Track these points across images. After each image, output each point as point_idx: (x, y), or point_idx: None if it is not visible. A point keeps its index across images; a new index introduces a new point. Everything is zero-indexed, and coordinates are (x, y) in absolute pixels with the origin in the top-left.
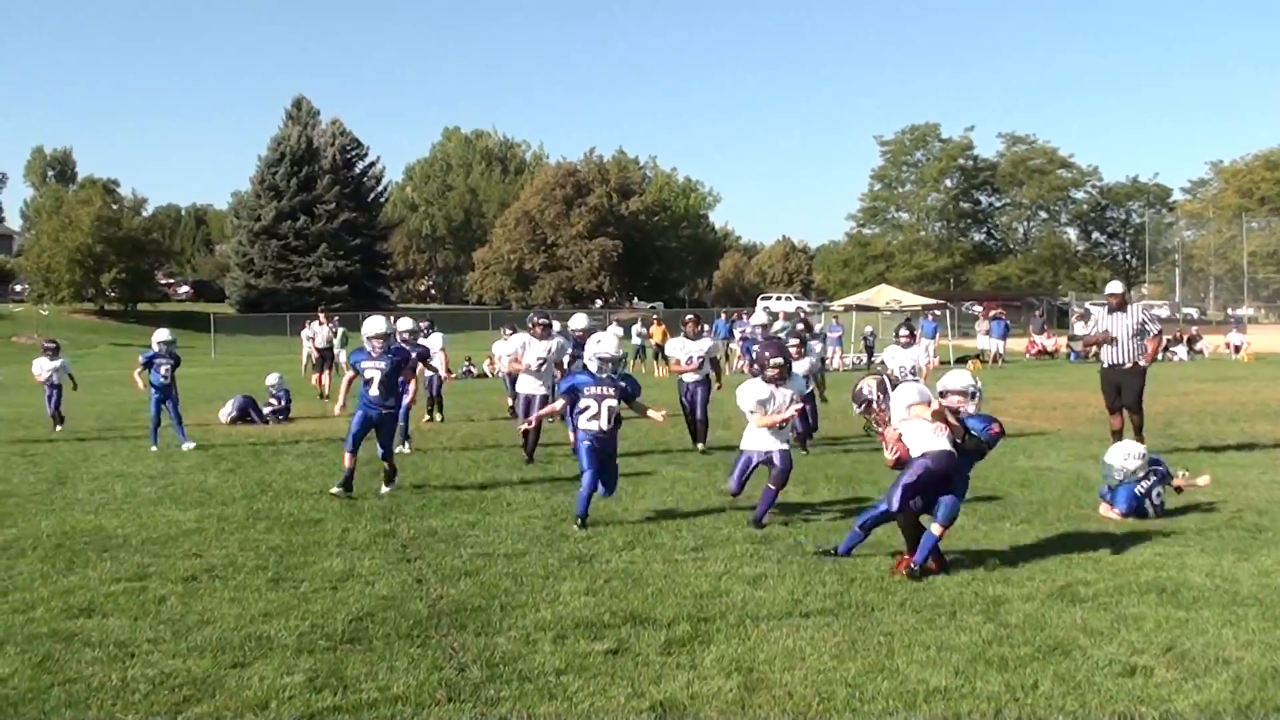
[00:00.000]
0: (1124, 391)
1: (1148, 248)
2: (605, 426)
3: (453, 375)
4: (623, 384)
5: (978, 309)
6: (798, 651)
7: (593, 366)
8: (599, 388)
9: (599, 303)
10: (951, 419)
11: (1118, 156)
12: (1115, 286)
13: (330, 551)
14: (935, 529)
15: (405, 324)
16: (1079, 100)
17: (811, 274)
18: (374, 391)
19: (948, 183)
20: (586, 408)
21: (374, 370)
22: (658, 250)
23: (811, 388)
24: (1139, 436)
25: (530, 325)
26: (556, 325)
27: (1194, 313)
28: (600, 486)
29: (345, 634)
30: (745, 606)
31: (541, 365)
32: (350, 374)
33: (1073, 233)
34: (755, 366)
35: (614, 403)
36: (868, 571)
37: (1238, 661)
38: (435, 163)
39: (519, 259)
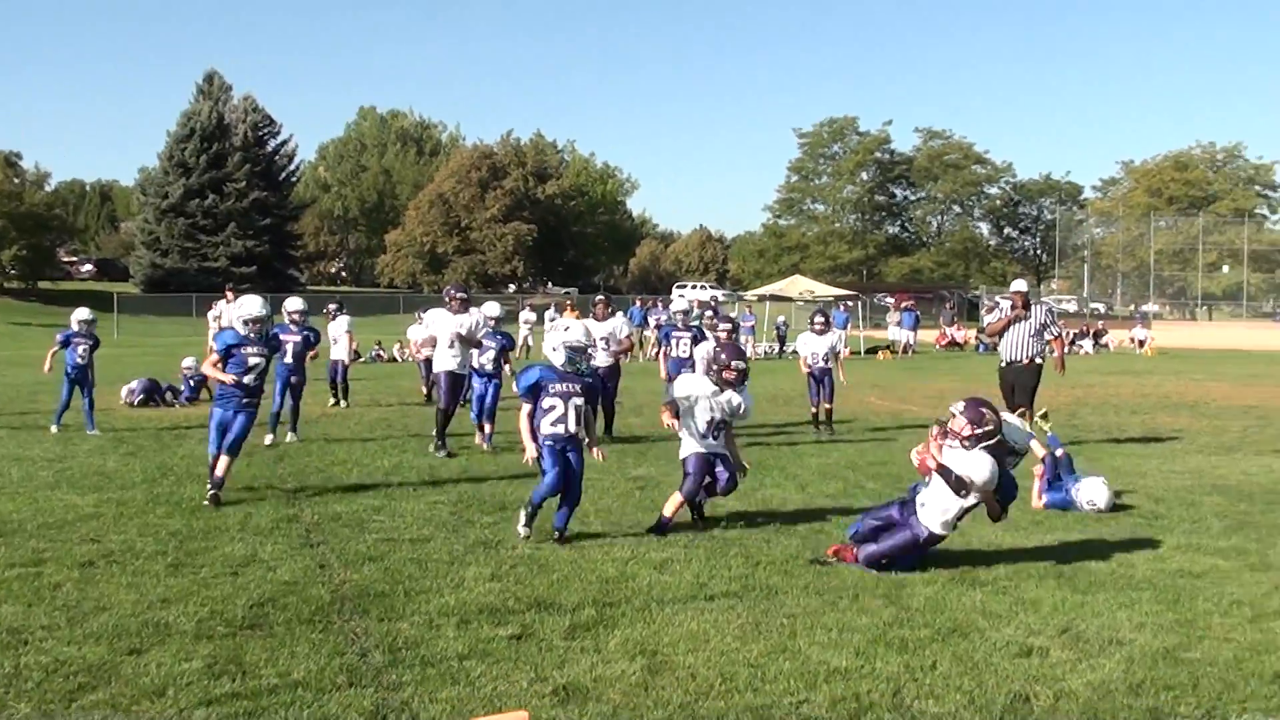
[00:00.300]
0: (1018, 389)
1: (1058, 244)
2: (573, 429)
3: (360, 359)
4: (590, 381)
5: (890, 301)
6: (701, 634)
7: (559, 359)
8: (565, 384)
9: (512, 287)
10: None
11: (1031, 154)
12: (1020, 285)
13: (231, 536)
14: None
15: (295, 304)
16: (995, 97)
17: (727, 263)
18: (251, 381)
19: (864, 176)
20: (551, 408)
21: (257, 358)
22: (573, 236)
23: None
24: None
25: (448, 299)
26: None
27: (1101, 308)
28: (563, 500)
29: (245, 620)
30: (650, 591)
31: (458, 341)
32: (215, 357)
33: (985, 227)
34: (712, 366)
35: (580, 401)
36: (773, 556)
37: (1130, 643)
38: (349, 142)
39: (432, 242)
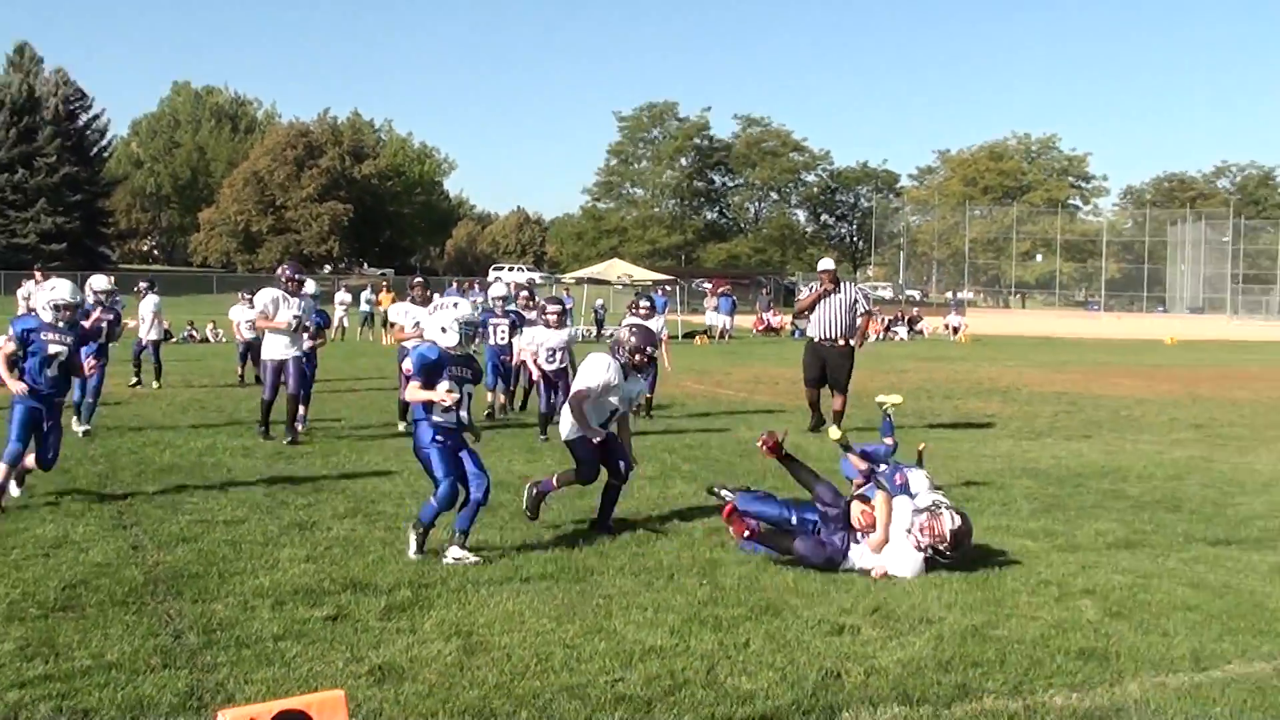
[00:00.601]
0: (831, 371)
1: (874, 231)
2: (465, 418)
3: (172, 339)
4: (475, 364)
5: (707, 286)
6: (517, 615)
7: (450, 339)
8: (459, 368)
9: (328, 268)
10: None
11: (849, 142)
12: (827, 264)
13: (43, 518)
14: None
15: (100, 283)
16: (814, 86)
17: (545, 246)
18: (52, 372)
19: (683, 161)
20: (448, 392)
21: (59, 346)
22: (390, 216)
23: (566, 363)
24: (838, 420)
25: (283, 280)
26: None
27: (916, 295)
28: (472, 491)
29: (58, 602)
30: (466, 572)
31: (295, 325)
32: (11, 347)
33: (802, 214)
34: (622, 349)
35: (472, 387)
36: (588, 537)
37: (940, 621)
38: (163, 118)
39: (246, 221)
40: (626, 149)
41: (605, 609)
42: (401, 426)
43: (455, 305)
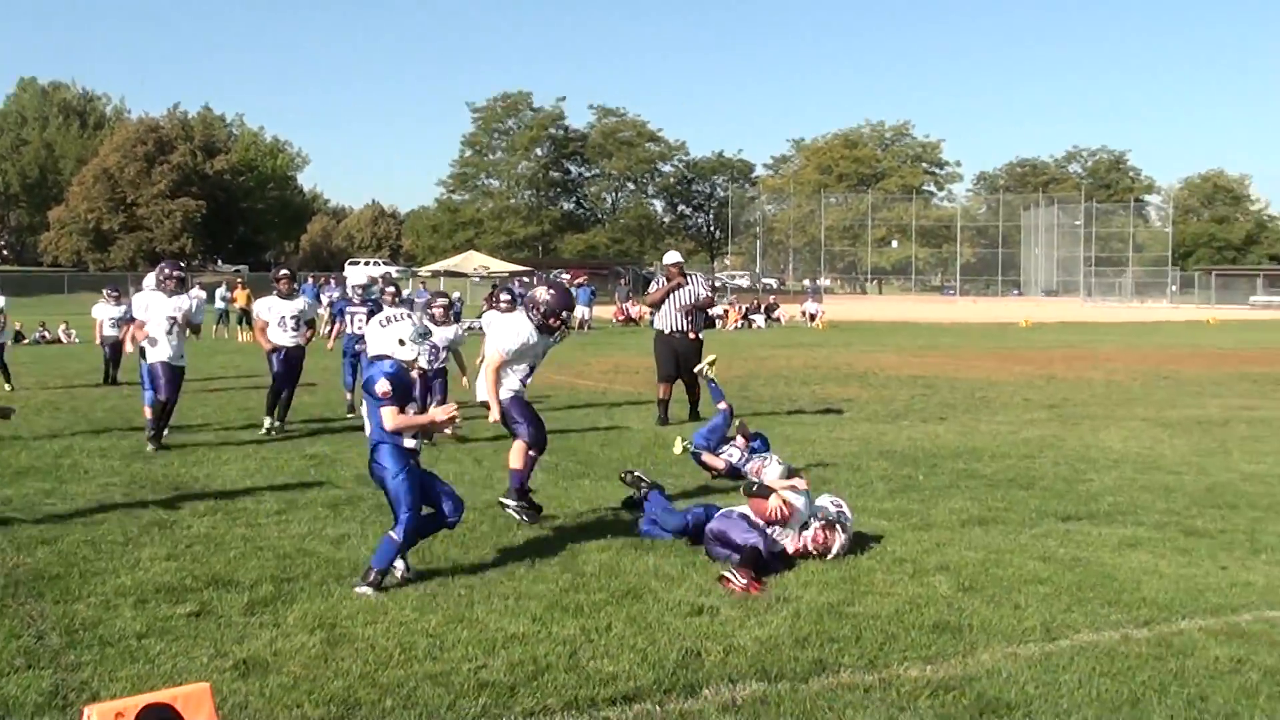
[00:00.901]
0: (684, 363)
1: (731, 220)
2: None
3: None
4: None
5: (566, 276)
6: (380, 607)
7: (409, 354)
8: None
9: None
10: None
11: (704, 132)
12: (673, 256)
13: None
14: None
15: None
16: (668, 76)
17: (400, 239)
18: None
19: (538, 152)
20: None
21: None
22: (243, 212)
23: (447, 360)
24: (694, 411)
25: (162, 279)
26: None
27: (773, 283)
28: (448, 514)
29: None
30: (328, 566)
31: (174, 326)
32: None
33: (659, 204)
34: (536, 309)
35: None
36: (449, 531)
37: (797, 600)
38: (9, 115)
39: (97, 219)
40: (481, 140)
41: (467, 598)
42: (267, 423)
43: (407, 316)
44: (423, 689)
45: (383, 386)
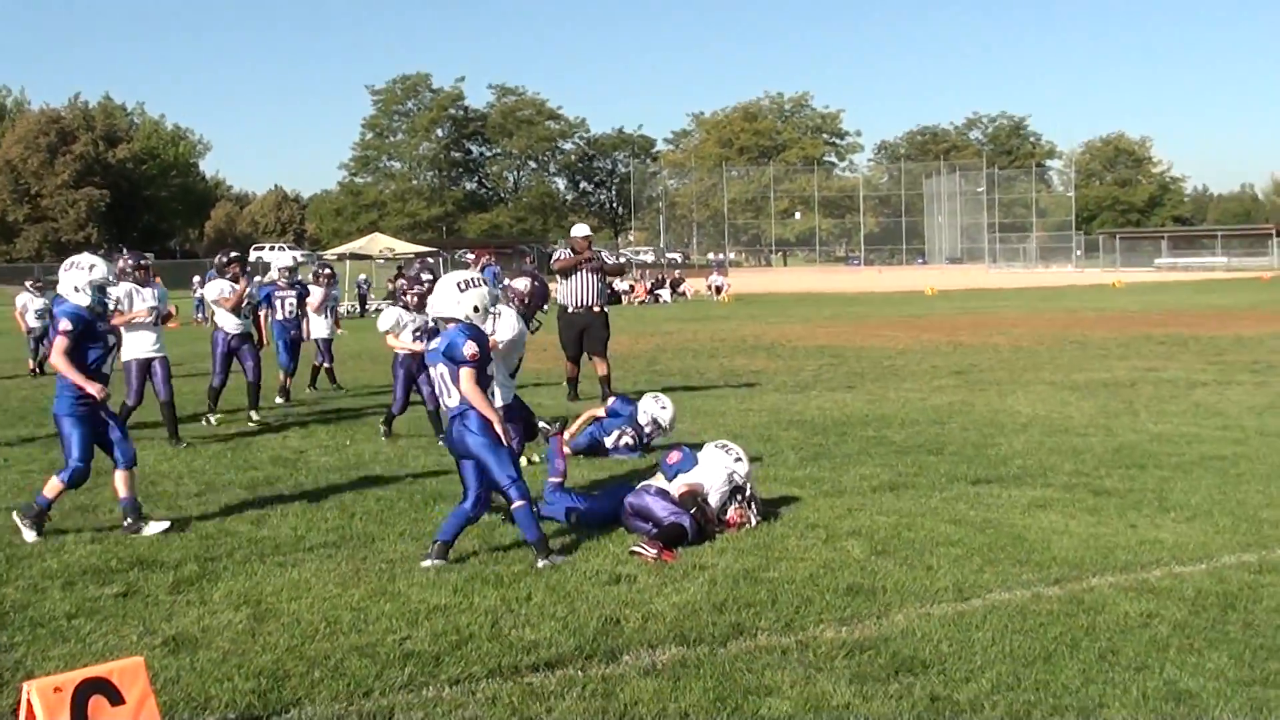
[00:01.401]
0: (590, 338)
1: (633, 196)
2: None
3: None
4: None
5: (470, 256)
6: (304, 583)
7: (476, 315)
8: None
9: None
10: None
11: (603, 109)
12: (582, 229)
13: None
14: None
15: None
16: (566, 53)
17: (304, 223)
18: None
19: (439, 132)
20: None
21: None
22: (147, 200)
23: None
24: (608, 387)
25: (130, 270)
26: None
27: (678, 258)
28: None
29: None
30: (250, 545)
31: (155, 318)
32: None
33: (561, 182)
34: (521, 298)
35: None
36: (368, 507)
37: (713, 566)
38: None
39: (1, 210)
40: (381, 122)
41: (389, 573)
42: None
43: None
44: (349, 660)
45: (470, 349)
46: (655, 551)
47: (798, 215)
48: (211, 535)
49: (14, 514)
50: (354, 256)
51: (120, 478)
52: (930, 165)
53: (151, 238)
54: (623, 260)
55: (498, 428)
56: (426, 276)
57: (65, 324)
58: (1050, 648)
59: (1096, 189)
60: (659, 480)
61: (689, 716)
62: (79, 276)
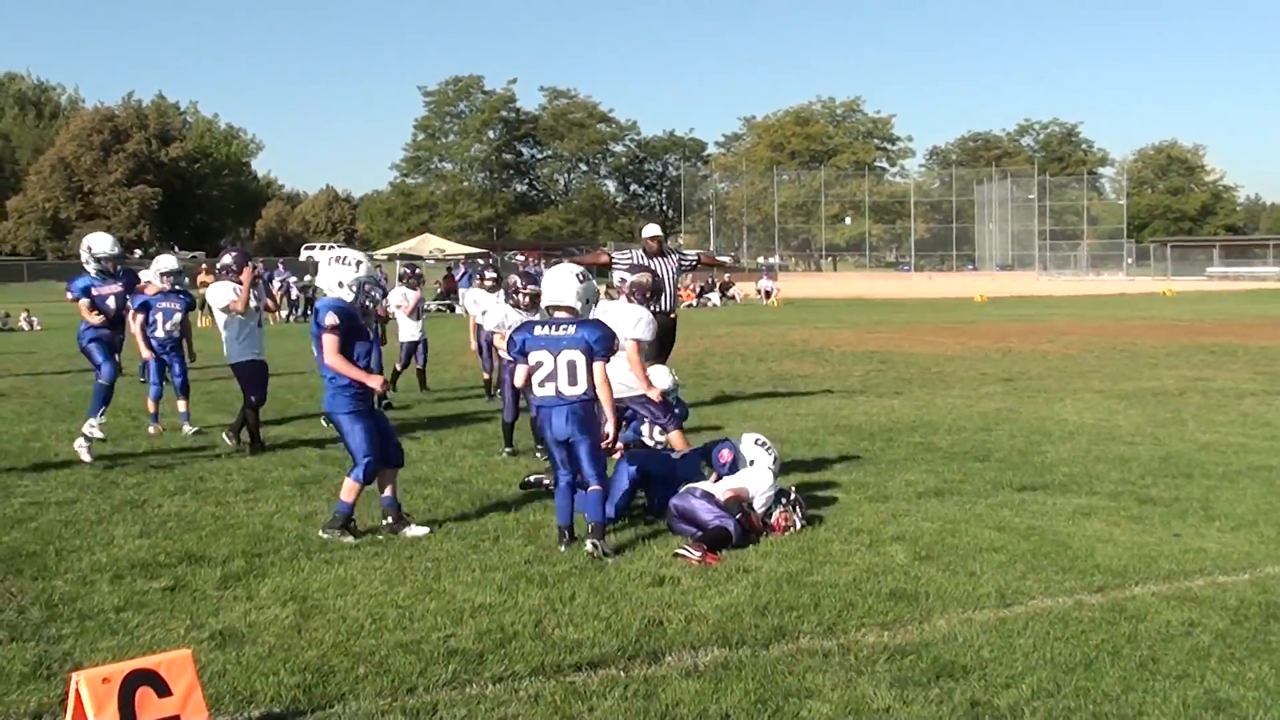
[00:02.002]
0: (665, 341)
1: (683, 199)
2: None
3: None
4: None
5: (520, 258)
6: (350, 580)
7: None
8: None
9: (138, 252)
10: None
11: (655, 111)
12: (652, 229)
13: None
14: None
15: None
16: (618, 56)
17: (355, 223)
18: None
19: (491, 134)
20: (539, 364)
21: None
22: (199, 199)
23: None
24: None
25: (237, 266)
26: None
27: (728, 261)
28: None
29: None
30: (298, 542)
31: (257, 316)
32: None
33: (612, 185)
34: (639, 290)
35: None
36: (414, 505)
37: (757, 570)
38: None
39: (54, 208)
40: (433, 124)
41: (434, 571)
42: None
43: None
44: (394, 657)
45: (612, 341)
46: (699, 554)
47: (848, 220)
48: (259, 532)
49: (321, 532)
50: (404, 257)
51: (383, 476)
52: (982, 171)
53: (203, 236)
54: (718, 257)
55: (610, 420)
56: (490, 274)
57: (332, 319)
58: (1091, 655)
59: (1148, 197)
60: (705, 484)
61: (730, 718)
62: (345, 273)
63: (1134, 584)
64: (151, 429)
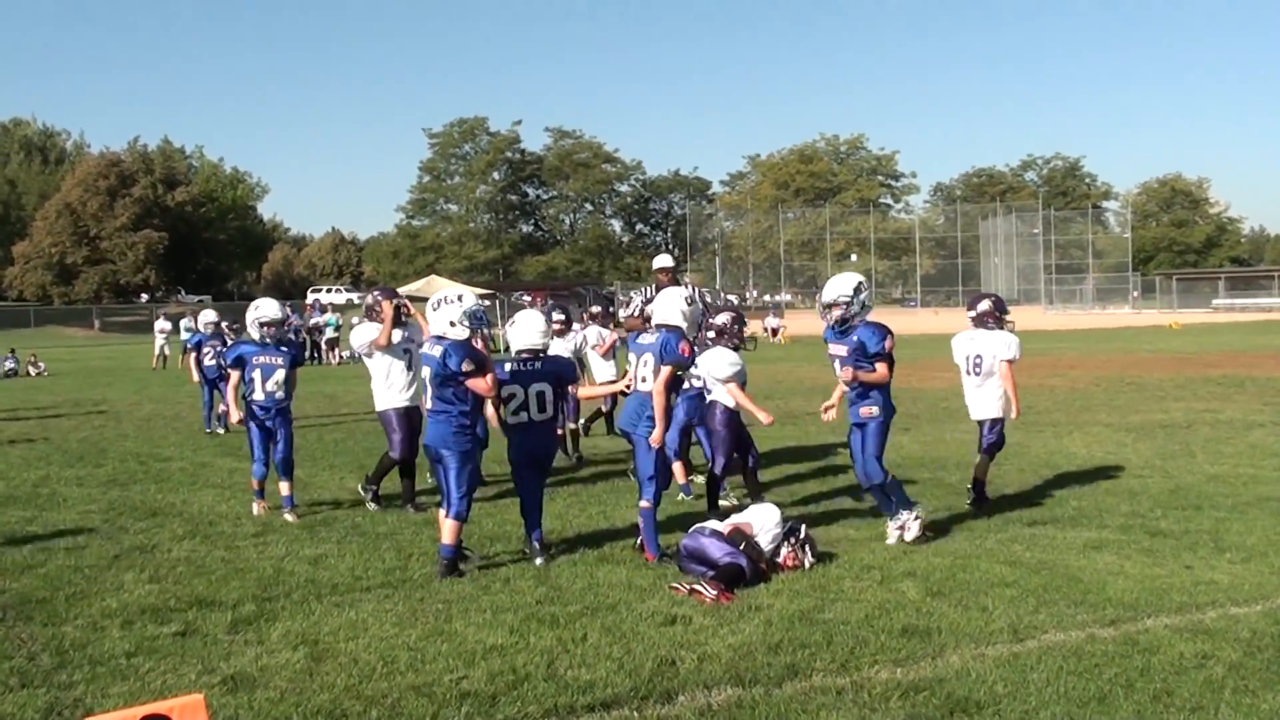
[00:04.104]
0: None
1: (689, 238)
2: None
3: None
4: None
5: (527, 299)
6: (360, 623)
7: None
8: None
9: (145, 297)
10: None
11: (660, 151)
12: (664, 260)
13: None
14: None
15: None
16: (622, 96)
17: (361, 265)
18: None
19: (496, 175)
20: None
21: None
22: (205, 243)
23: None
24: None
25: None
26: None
27: (735, 299)
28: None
29: None
30: (308, 585)
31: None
32: None
33: (618, 224)
34: (730, 335)
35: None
36: (424, 547)
37: (768, 608)
38: None
39: (61, 253)
40: (438, 165)
41: (445, 613)
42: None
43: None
44: (406, 700)
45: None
46: (715, 593)
47: (854, 257)
48: (269, 576)
49: (437, 581)
50: (411, 299)
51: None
52: (986, 207)
53: (209, 280)
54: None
55: (659, 427)
56: (559, 316)
57: (467, 365)
58: (1105, 688)
59: (1153, 230)
60: (712, 523)
61: None
62: (452, 311)
63: (1146, 617)
64: (256, 508)
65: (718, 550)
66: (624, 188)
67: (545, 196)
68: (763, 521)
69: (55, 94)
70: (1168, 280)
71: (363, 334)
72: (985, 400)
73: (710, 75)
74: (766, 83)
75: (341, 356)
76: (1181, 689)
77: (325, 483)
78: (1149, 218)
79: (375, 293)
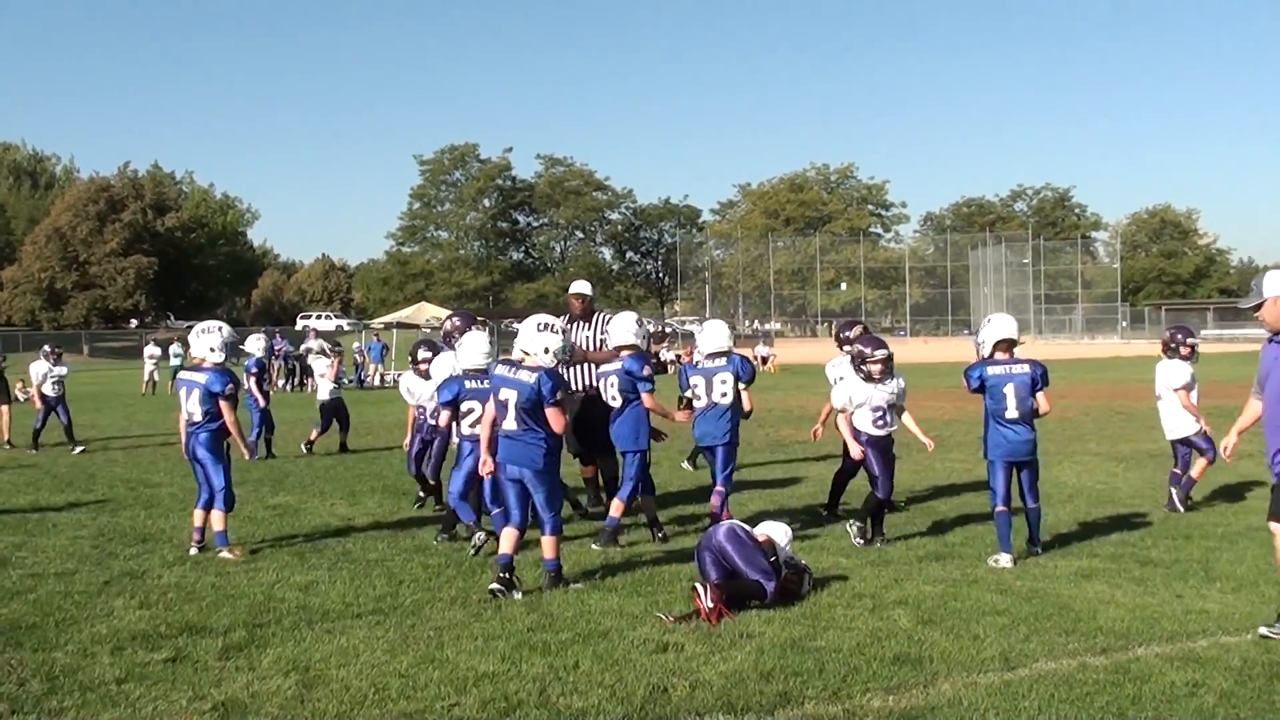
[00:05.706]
0: (584, 422)
1: (679, 266)
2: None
3: None
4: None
5: (518, 326)
6: (352, 650)
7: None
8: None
9: (134, 322)
10: None
11: (650, 179)
12: (581, 286)
13: None
14: None
15: None
16: (613, 124)
17: (351, 292)
18: None
19: (486, 202)
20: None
21: None
22: (195, 268)
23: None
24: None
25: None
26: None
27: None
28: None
29: None
30: (299, 612)
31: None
32: None
33: (608, 252)
34: (865, 362)
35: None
36: (415, 574)
37: (760, 635)
38: None
39: (50, 278)
40: (429, 192)
41: (437, 640)
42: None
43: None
44: None
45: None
46: (713, 603)
47: (844, 286)
48: (260, 602)
49: (546, 595)
50: (401, 325)
51: (508, 536)
52: (976, 236)
53: (199, 305)
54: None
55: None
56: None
57: (561, 394)
58: (1097, 717)
59: (1142, 260)
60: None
61: None
62: (553, 341)
63: (1137, 645)
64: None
65: (749, 564)
66: (614, 216)
67: (536, 224)
68: (779, 538)
69: (45, 119)
70: (1157, 310)
71: (441, 368)
72: None
73: (701, 104)
74: (757, 111)
75: (382, 377)
76: (1173, 717)
77: (314, 509)
78: (1138, 248)
79: (458, 317)
